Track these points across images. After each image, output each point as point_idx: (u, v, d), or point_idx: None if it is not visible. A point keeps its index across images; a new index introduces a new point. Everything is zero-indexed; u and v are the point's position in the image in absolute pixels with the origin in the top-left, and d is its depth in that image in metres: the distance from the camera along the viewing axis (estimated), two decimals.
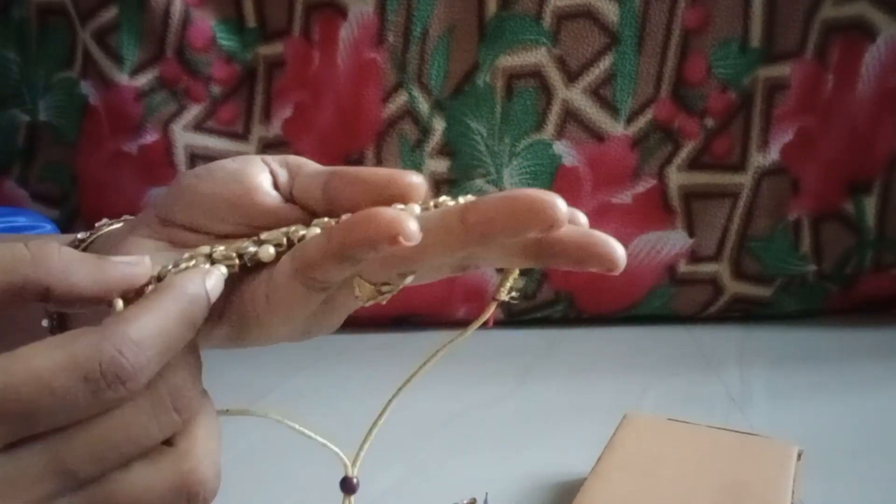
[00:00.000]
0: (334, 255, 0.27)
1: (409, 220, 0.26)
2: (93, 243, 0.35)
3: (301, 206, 0.33)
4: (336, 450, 0.32)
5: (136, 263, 0.28)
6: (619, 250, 0.29)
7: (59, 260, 0.27)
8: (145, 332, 0.25)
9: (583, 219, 0.31)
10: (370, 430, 0.32)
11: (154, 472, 0.26)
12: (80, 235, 0.35)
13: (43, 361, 0.23)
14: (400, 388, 0.31)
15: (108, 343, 0.24)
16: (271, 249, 0.30)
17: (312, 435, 0.32)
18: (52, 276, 0.26)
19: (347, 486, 0.32)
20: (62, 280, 0.26)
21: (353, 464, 0.32)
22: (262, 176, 0.33)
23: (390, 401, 0.32)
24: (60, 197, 0.81)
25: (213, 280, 0.28)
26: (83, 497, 0.25)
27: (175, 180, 0.34)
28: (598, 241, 0.29)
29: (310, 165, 0.34)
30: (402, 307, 0.80)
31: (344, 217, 0.30)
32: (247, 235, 0.32)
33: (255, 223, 0.33)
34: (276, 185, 0.33)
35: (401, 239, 0.25)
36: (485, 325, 0.30)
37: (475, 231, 0.27)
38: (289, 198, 0.33)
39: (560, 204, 0.26)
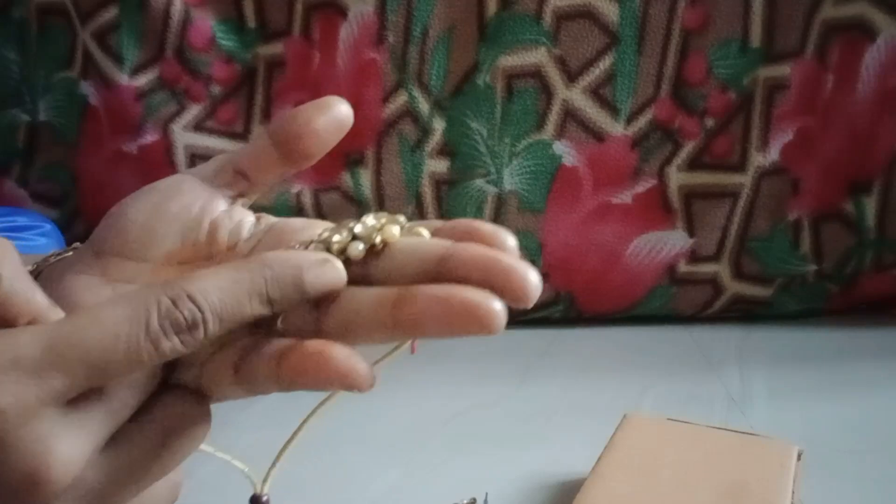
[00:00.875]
0: (280, 386, 0.27)
1: (359, 365, 0.26)
2: (40, 275, 0.34)
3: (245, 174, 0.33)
4: (242, 466, 0.31)
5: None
6: (531, 278, 0.27)
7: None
8: (204, 291, 0.26)
9: (511, 242, 0.30)
10: (282, 449, 0.31)
11: None
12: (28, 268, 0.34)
13: (109, 313, 0.25)
14: (314, 410, 0.30)
15: (165, 296, 0.25)
16: (360, 246, 0.29)
17: (215, 452, 0.31)
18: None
19: None
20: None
21: (264, 481, 0.31)
22: (193, 194, 0.32)
23: (303, 423, 0.30)
24: (60, 197, 0.81)
25: (316, 268, 0.27)
26: None
27: (111, 213, 0.33)
28: (506, 266, 0.27)
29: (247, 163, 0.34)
30: None
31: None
32: (190, 260, 0.31)
33: (193, 239, 0.32)
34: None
35: (353, 383, 0.26)
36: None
37: (404, 327, 0.26)
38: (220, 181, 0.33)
39: (499, 309, 0.26)
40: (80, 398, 0.25)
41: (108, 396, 0.26)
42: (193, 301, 0.25)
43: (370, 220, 0.30)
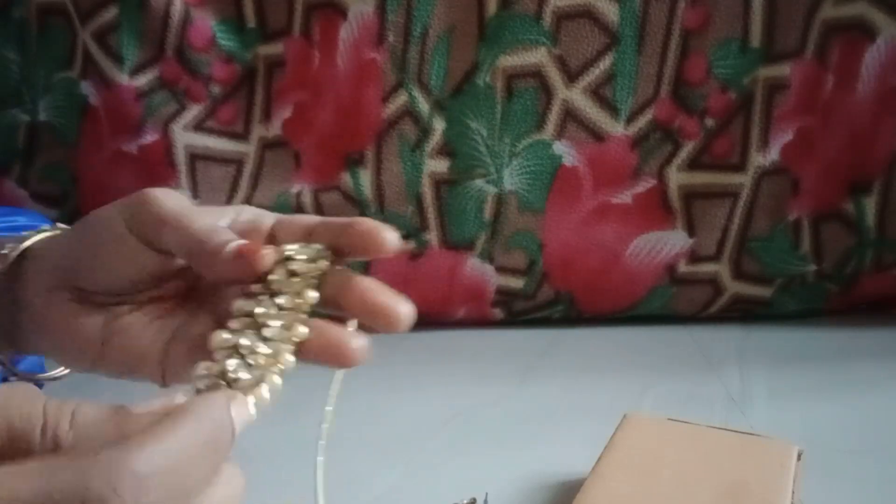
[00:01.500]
0: None
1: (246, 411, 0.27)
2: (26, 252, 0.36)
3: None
4: None
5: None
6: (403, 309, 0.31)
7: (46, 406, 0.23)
8: (153, 464, 0.20)
9: (389, 236, 0.32)
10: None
11: None
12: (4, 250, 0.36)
13: (23, 486, 0.19)
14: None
15: (99, 478, 0.19)
16: (292, 358, 0.30)
17: None
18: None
19: None
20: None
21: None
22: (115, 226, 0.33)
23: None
24: (60, 197, 0.81)
25: (242, 412, 0.25)
26: None
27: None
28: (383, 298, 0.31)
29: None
30: None
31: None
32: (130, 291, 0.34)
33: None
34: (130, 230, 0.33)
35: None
36: None
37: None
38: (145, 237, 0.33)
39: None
40: None
41: None
42: (140, 482, 0.20)
43: (261, 347, 0.30)
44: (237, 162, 0.79)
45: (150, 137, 0.77)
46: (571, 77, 0.75)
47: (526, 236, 0.78)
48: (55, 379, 0.39)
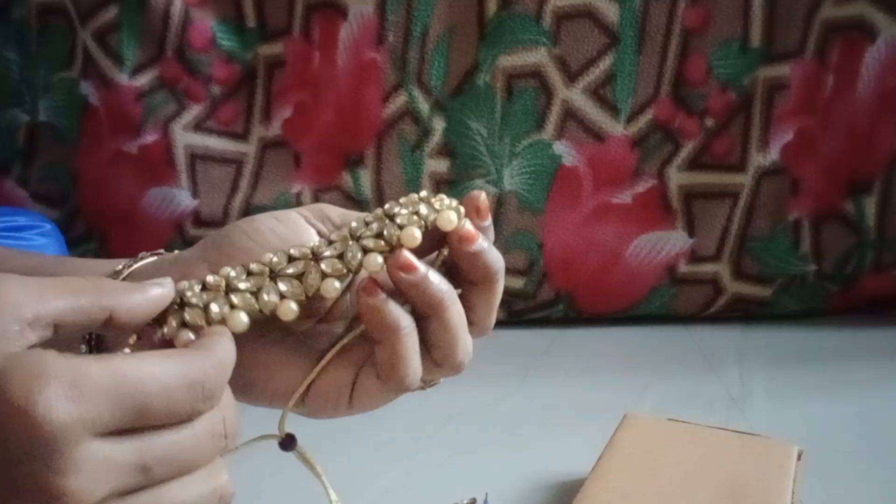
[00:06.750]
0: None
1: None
2: (130, 276, 0.35)
3: None
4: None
5: (165, 285, 0.31)
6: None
7: (118, 288, 0.29)
8: (226, 359, 0.29)
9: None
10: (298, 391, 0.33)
11: (195, 484, 0.28)
12: (118, 267, 0.36)
13: (162, 366, 0.27)
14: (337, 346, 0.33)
15: (208, 363, 0.28)
16: (337, 284, 0.31)
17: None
18: (115, 302, 0.29)
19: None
20: (123, 305, 0.29)
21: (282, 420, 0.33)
22: (308, 238, 0.34)
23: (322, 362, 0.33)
24: (60, 197, 0.81)
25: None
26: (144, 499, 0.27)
27: (224, 229, 0.34)
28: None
29: (333, 210, 0.35)
30: None
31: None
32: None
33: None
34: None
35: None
36: None
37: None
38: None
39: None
40: (115, 439, 0.26)
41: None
42: (219, 369, 0.28)
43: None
44: (237, 162, 0.79)
45: (150, 137, 0.77)
46: (571, 77, 0.75)
47: (526, 236, 0.78)
48: None
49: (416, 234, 0.30)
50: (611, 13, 0.74)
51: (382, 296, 0.30)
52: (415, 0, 0.74)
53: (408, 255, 0.30)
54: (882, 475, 0.53)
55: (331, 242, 0.32)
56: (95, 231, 0.81)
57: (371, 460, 0.55)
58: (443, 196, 0.32)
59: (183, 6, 0.75)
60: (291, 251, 0.32)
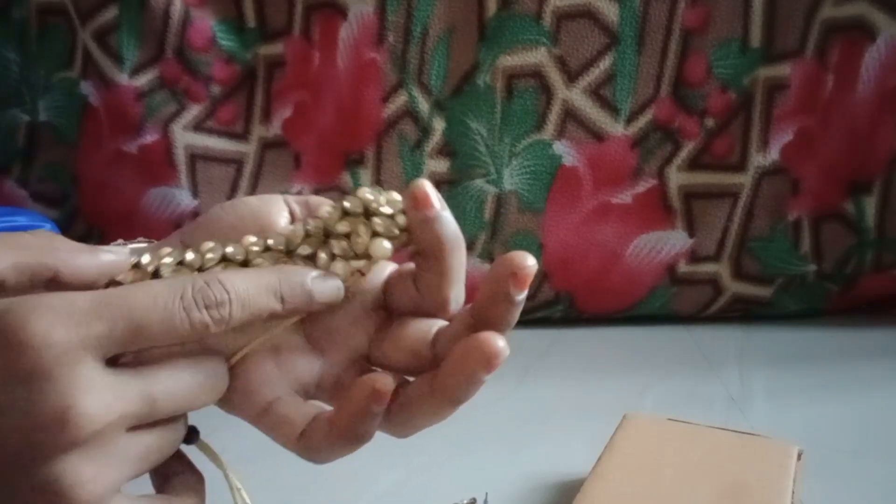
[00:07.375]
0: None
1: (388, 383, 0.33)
2: None
3: None
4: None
5: (118, 253, 0.32)
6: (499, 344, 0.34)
7: (66, 249, 0.31)
8: (232, 280, 0.30)
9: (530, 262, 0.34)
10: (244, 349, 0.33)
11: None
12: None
13: (154, 284, 0.29)
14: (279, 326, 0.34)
15: (200, 278, 0.29)
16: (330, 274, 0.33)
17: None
18: (60, 261, 0.30)
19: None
20: (69, 264, 0.30)
21: None
22: (280, 214, 0.35)
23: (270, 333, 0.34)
24: (60, 197, 0.81)
25: (323, 285, 0.32)
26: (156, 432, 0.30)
27: (203, 213, 0.36)
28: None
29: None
30: None
31: None
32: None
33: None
34: (292, 223, 0.35)
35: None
36: None
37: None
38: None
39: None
40: (121, 370, 0.28)
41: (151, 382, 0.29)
42: (223, 285, 0.29)
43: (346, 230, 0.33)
44: (237, 162, 0.79)
45: (150, 137, 0.77)
46: (571, 77, 0.75)
47: (526, 236, 0.78)
48: None
49: (385, 246, 0.32)
50: (611, 13, 0.74)
51: (438, 206, 0.31)
52: (415, 0, 0.74)
53: (426, 187, 0.31)
54: (882, 475, 0.53)
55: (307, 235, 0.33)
56: (95, 231, 0.81)
57: (371, 460, 0.55)
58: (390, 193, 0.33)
59: (183, 6, 0.75)
60: (269, 241, 0.33)
